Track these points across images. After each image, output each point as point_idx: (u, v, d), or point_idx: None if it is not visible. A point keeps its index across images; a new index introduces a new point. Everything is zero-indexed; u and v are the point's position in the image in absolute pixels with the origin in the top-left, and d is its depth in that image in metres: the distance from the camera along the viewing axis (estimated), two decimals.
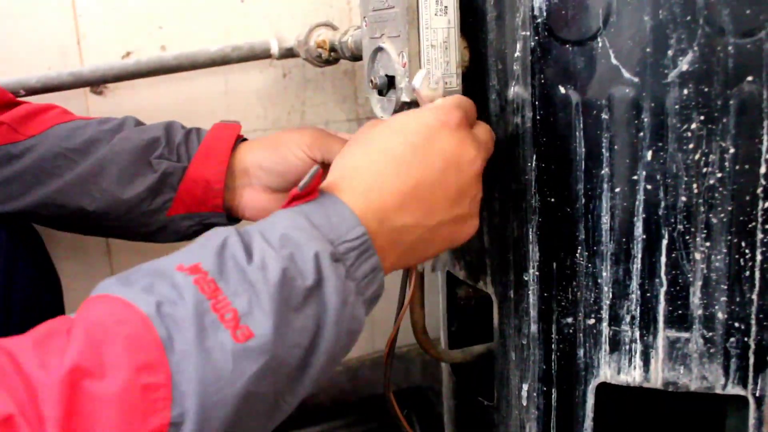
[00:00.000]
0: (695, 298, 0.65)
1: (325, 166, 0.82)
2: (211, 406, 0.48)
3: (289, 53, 1.12)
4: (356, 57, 0.92)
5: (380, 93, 0.74)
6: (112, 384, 0.45)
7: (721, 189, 0.62)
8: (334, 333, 0.55)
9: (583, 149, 0.66)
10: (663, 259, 0.65)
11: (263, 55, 1.13)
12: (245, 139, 0.92)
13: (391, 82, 0.73)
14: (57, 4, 1.10)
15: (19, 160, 0.86)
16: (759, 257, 0.63)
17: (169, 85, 1.16)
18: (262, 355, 0.50)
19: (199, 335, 0.48)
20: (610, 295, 0.68)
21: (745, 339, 0.64)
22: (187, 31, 1.15)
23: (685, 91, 0.61)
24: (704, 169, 0.62)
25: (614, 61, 0.63)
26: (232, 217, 0.90)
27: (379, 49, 0.74)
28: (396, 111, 0.72)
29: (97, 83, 1.11)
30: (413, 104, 0.71)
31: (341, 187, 0.61)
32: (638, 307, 0.67)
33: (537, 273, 0.72)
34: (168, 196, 0.86)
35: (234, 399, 0.49)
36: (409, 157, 0.62)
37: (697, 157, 0.62)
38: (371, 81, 0.74)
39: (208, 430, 0.48)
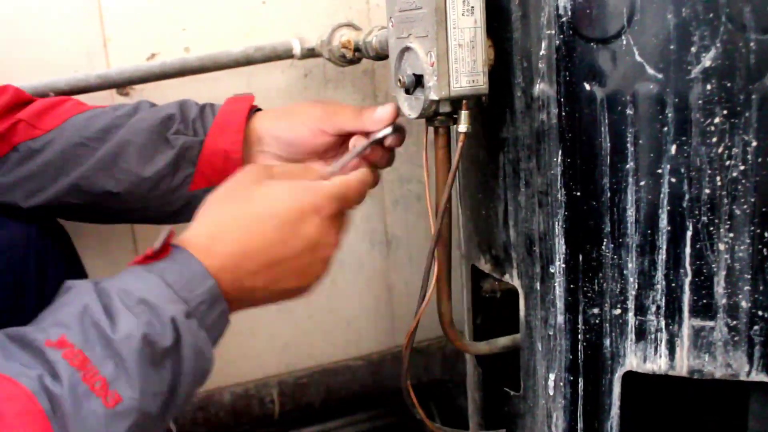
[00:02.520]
0: (719, 288, 0.67)
1: (334, 139, 0.87)
2: None
3: (310, 54, 1.14)
4: (380, 56, 0.94)
5: (407, 92, 0.76)
6: None
7: (744, 181, 0.64)
8: (190, 377, 0.63)
9: (609, 144, 0.68)
10: (687, 250, 0.67)
11: (285, 55, 1.15)
12: (259, 110, 0.94)
13: (418, 81, 0.75)
14: (83, 9, 1.12)
15: (41, 153, 0.89)
16: None
17: (193, 86, 1.18)
18: (130, 414, 0.57)
19: (75, 405, 0.55)
20: (636, 286, 0.70)
21: None
22: (210, 33, 1.18)
23: (708, 87, 0.63)
24: (727, 162, 0.64)
25: (638, 58, 0.65)
26: None
27: (407, 49, 0.76)
28: (424, 108, 0.74)
29: (123, 85, 1.13)
30: (442, 102, 0.73)
31: (200, 243, 0.66)
32: (663, 297, 0.69)
33: (563, 265, 0.73)
34: (188, 171, 0.88)
35: None
36: (275, 234, 0.69)
37: (720, 150, 0.64)
38: (399, 80, 0.76)
39: None
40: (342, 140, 0.88)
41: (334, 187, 0.74)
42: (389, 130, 0.83)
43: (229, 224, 0.69)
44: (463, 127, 0.74)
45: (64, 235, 0.98)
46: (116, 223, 1.00)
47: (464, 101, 0.73)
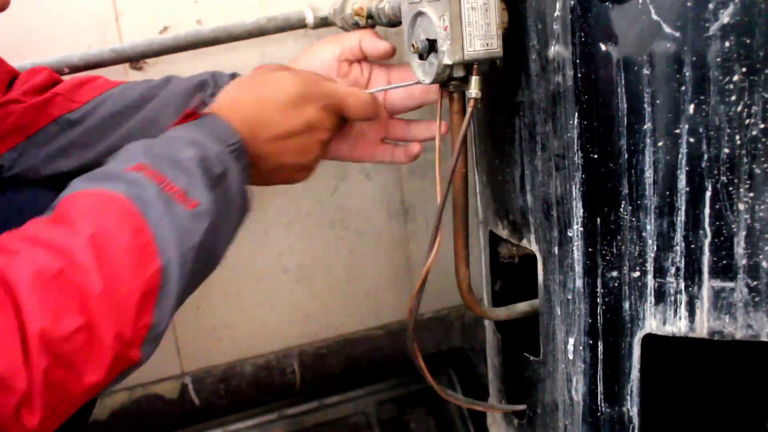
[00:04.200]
0: (739, 248, 0.66)
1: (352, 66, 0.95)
2: (184, 254, 0.65)
3: (323, 23, 1.13)
4: (393, 23, 0.93)
5: (421, 57, 0.76)
6: (120, 244, 0.62)
7: (764, 140, 0.63)
8: (238, 203, 0.75)
9: (625, 105, 0.67)
10: (707, 210, 0.66)
11: (298, 25, 1.14)
12: None
13: (432, 46, 0.74)
14: None
15: (81, 124, 0.93)
16: None
17: (207, 58, 1.17)
18: (207, 215, 0.68)
19: (164, 208, 0.65)
20: (655, 248, 0.69)
21: None
22: (223, 4, 1.17)
23: (727, 44, 0.62)
24: (747, 121, 0.63)
25: (655, 17, 0.64)
26: None
27: (420, 14, 0.75)
28: (438, 74, 0.73)
29: (137, 59, 1.13)
30: (456, 66, 0.72)
31: (224, 112, 0.78)
32: (683, 259, 0.68)
33: (581, 229, 0.73)
34: None
35: (196, 248, 0.66)
36: (283, 109, 0.81)
37: (739, 108, 0.63)
38: (412, 45, 0.75)
39: (184, 271, 0.65)
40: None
41: (338, 88, 0.86)
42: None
43: (245, 100, 0.82)
44: (473, 92, 0.74)
45: None
46: None
47: (475, 66, 0.73)
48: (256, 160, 0.80)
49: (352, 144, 0.96)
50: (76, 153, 0.93)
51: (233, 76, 0.96)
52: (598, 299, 0.74)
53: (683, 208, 0.67)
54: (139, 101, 0.94)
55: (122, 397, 1.30)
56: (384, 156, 0.97)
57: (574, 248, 0.74)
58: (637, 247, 0.70)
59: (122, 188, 0.65)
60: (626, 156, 0.68)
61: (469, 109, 0.74)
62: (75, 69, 1.07)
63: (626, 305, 0.72)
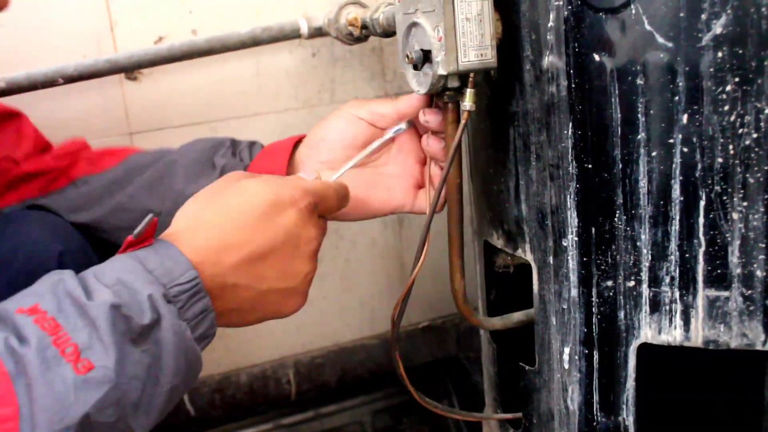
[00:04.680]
0: (734, 257, 0.66)
1: (372, 129, 0.84)
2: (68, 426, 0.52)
3: (318, 32, 1.13)
4: (388, 33, 0.93)
5: (415, 68, 0.76)
6: None
7: (757, 149, 0.63)
8: (173, 366, 0.60)
9: (619, 115, 0.67)
10: (701, 220, 0.66)
11: (293, 35, 1.14)
12: None
13: (426, 57, 0.74)
14: None
15: (97, 180, 0.92)
16: None
17: (202, 69, 1.18)
18: (103, 385, 0.54)
19: (42, 368, 0.52)
20: (650, 257, 0.69)
21: None
22: (217, 14, 1.17)
23: (720, 54, 0.62)
24: (740, 130, 0.63)
25: (648, 27, 0.64)
26: None
27: (414, 24, 0.75)
28: (433, 84, 0.74)
29: (132, 69, 1.13)
30: (450, 77, 0.72)
31: (180, 237, 0.65)
32: (677, 268, 0.68)
33: (576, 238, 0.73)
34: None
35: (77, 427, 0.52)
36: (254, 223, 0.67)
37: (732, 118, 0.63)
38: (407, 56, 0.76)
39: None
40: (399, 139, 0.87)
41: (311, 183, 0.74)
42: (404, 125, 0.83)
43: (207, 219, 0.67)
44: (467, 104, 0.74)
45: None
46: None
47: (470, 78, 0.73)
48: (227, 294, 0.66)
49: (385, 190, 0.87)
50: (86, 205, 0.91)
51: (253, 142, 0.91)
52: (594, 309, 0.74)
53: (677, 217, 0.67)
54: (156, 156, 0.91)
55: None
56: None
57: (569, 258, 0.74)
58: (631, 257, 0.70)
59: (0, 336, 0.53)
60: (620, 166, 0.69)
61: (462, 121, 0.75)
62: (70, 79, 1.08)
63: (621, 315, 0.72)
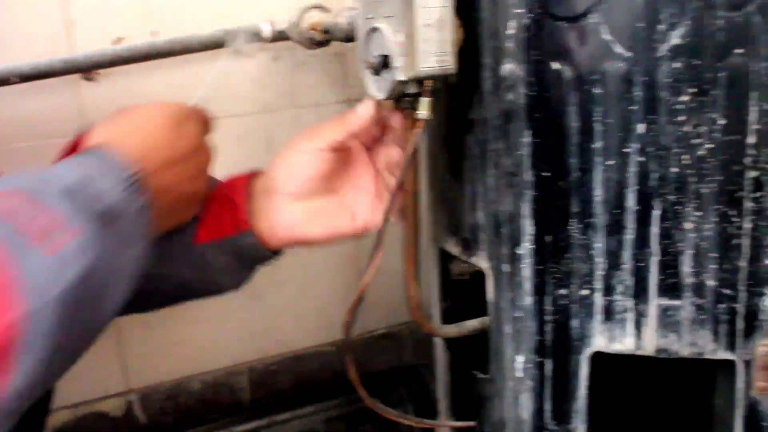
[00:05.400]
0: (686, 267, 0.67)
1: (334, 155, 0.84)
2: (47, 303, 0.55)
3: (280, 36, 1.12)
4: (350, 38, 0.93)
5: (375, 73, 0.75)
6: None
7: (711, 159, 0.64)
8: (136, 247, 0.66)
9: (577, 124, 0.68)
10: (655, 229, 0.67)
11: (255, 39, 1.13)
12: None
13: (386, 62, 0.74)
14: None
15: None
16: (747, 225, 0.65)
17: (162, 71, 1.16)
18: (82, 257, 0.58)
19: (17, 249, 0.55)
20: (604, 266, 0.70)
21: (734, 305, 0.66)
22: (179, 16, 1.16)
23: (677, 65, 0.63)
24: (695, 141, 0.64)
25: (607, 37, 0.65)
26: (266, 251, 0.86)
27: (374, 29, 0.75)
28: (392, 89, 0.73)
29: (89, 69, 1.11)
30: (409, 83, 0.72)
31: (108, 143, 0.70)
32: (631, 277, 0.69)
33: (531, 246, 0.73)
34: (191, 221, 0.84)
35: (67, 288, 0.56)
36: (168, 132, 0.74)
37: (687, 129, 0.64)
38: (367, 61, 0.75)
39: (45, 324, 0.54)
40: (347, 156, 0.86)
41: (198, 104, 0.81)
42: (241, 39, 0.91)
43: (124, 132, 0.73)
44: (423, 113, 0.74)
45: None
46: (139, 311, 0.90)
47: (425, 87, 0.73)
48: (158, 194, 0.71)
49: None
50: None
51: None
52: (547, 317, 0.74)
53: (632, 226, 0.68)
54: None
55: (65, 415, 1.26)
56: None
57: (523, 266, 0.74)
58: (586, 265, 0.71)
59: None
60: (577, 174, 0.69)
61: (417, 130, 0.74)
62: (24, 78, 1.05)
63: (575, 323, 0.72)
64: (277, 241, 0.86)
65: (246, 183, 0.86)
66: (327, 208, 0.86)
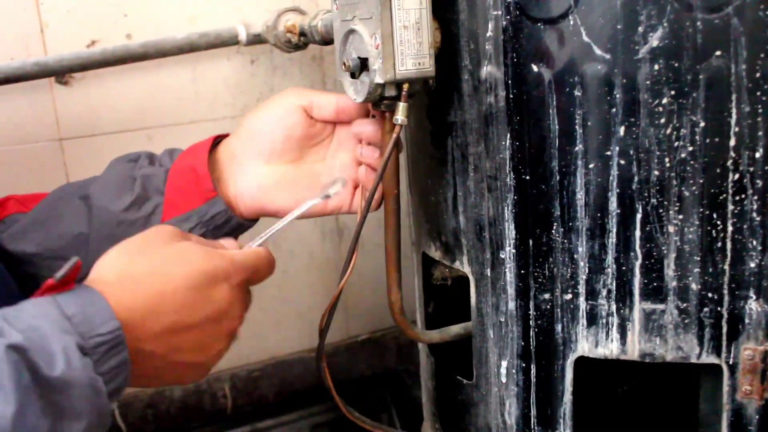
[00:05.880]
0: (669, 270, 0.66)
1: (306, 119, 0.81)
2: None
3: (257, 39, 1.11)
4: (326, 41, 0.92)
5: (353, 75, 0.74)
6: None
7: (692, 162, 0.63)
8: (83, 421, 0.55)
9: (557, 126, 0.67)
10: (637, 232, 0.66)
11: (231, 41, 1.12)
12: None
13: (363, 65, 0.73)
14: None
15: (26, 216, 0.85)
16: (730, 228, 0.64)
17: (136, 74, 1.15)
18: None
19: None
20: (587, 270, 0.69)
21: (718, 309, 0.66)
22: (153, 19, 1.14)
23: (656, 67, 0.62)
24: (676, 143, 0.63)
25: (586, 39, 0.64)
26: (241, 217, 0.84)
27: (351, 32, 0.74)
28: (370, 92, 0.72)
29: (62, 73, 1.10)
30: (387, 85, 0.71)
31: (105, 288, 0.59)
32: (614, 281, 0.68)
33: (513, 251, 0.72)
34: (156, 201, 0.81)
35: None
36: (186, 293, 0.63)
37: (668, 131, 0.63)
38: (344, 63, 0.74)
39: None
40: (328, 132, 0.83)
41: (247, 256, 0.70)
42: (339, 184, 0.78)
43: (137, 277, 0.62)
44: (399, 118, 0.73)
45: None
46: None
47: (403, 91, 0.72)
48: (139, 359, 0.60)
49: None
50: (18, 239, 0.84)
51: (172, 150, 0.86)
52: (531, 322, 0.73)
53: (614, 230, 0.67)
54: (82, 184, 0.85)
55: None
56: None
57: (506, 270, 0.73)
58: (569, 269, 0.70)
59: None
60: (558, 178, 0.68)
61: (394, 135, 0.73)
62: None
63: (558, 328, 0.72)
64: (244, 208, 0.83)
65: (206, 149, 0.83)
66: (297, 177, 0.83)
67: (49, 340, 0.53)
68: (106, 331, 0.56)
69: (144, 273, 0.63)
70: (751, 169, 0.62)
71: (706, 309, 0.66)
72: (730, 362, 0.67)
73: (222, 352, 0.68)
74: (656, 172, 0.64)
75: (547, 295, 0.72)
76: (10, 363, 0.50)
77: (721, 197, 0.64)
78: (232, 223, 0.82)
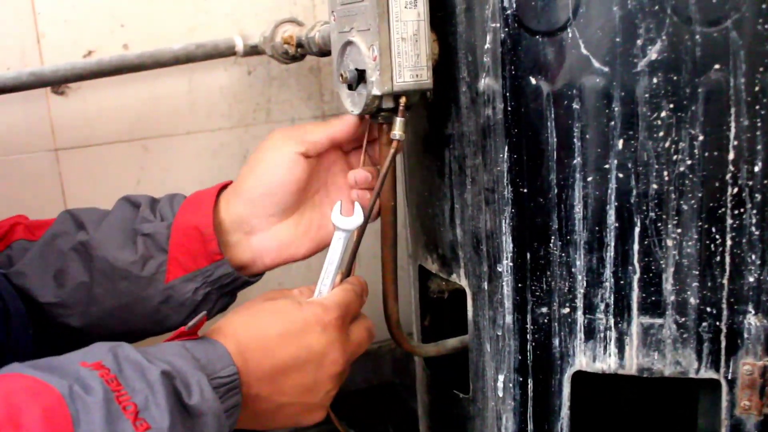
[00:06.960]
0: (668, 285, 0.66)
1: (315, 163, 0.81)
2: None
3: (253, 50, 1.11)
4: (323, 52, 0.92)
5: (350, 87, 0.74)
6: None
7: (691, 176, 0.63)
8: None
9: (555, 139, 0.67)
10: (636, 246, 0.66)
11: (228, 52, 1.12)
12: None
13: (361, 76, 0.73)
14: (15, 3, 1.08)
15: (30, 251, 0.84)
16: (729, 242, 0.64)
17: (133, 85, 1.14)
18: None
19: (106, 419, 0.53)
20: (585, 284, 0.68)
21: (717, 323, 0.65)
22: (150, 30, 1.14)
23: (655, 80, 0.62)
24: (674, 157, 0.63)
25: (584, 51, 0.64)
26: (250, 275, 0.84)
27: (349, 43, 0.74)
28: (367, 104, 0.72)
29: (58, 83, 1.09)
30: (385, 97, 0.71)
31: (225, 337, 0.67)
32: (612, 295, 0.67)
33: (511, 264, 0.72)
34: (160, 259, 0.81)
35: None
36: (278, 342, 0.69)
37: (667, 144, 0.63)
38: (341, 75, 0.74)
39: None
40: (321, 161, 0.83)
41: (334, 295, 0.74)
42: (360, 219, 0.77)
43: (238, 325, 0.70)
44: (396, 134, 0.72)
45: None
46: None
47: (401, 105, 0.71)
48: (248, 401, 0.67)
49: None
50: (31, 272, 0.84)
51: (173, 195, 0.85)
52: (528, 336, 0.72)
53: (612, 243, 0.67)
54: (79, 224, 0.84)
55: None
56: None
57: (503, 284, 0.73)
58: (566, 283, 0.69)
59: (64, 383, 0.54)
60: (556, 191, 0.68)
61: (391, 151, 0.73)
62: None
63: (556, 342, 0.71)
64: (264, 266, 0.84)
65: (210, 207, 0.81)
66: (310, 219, 0.83)
67: (186, 374, 0.60)
68: (226, 374, 0.63)
69: (244, 322, 0.70)
70: (750, 182, 0.62)
71: (704, 323, 0.65)
72: (729, 377, 0.66)
73: (331, 393, 0.73)
74: (655, 186, 0.64)
75: (544, 309, 0.71)
76: (164, 386, 0.57)
77: (719, 211, 0.63)
78: (237, 283, 0.83)
